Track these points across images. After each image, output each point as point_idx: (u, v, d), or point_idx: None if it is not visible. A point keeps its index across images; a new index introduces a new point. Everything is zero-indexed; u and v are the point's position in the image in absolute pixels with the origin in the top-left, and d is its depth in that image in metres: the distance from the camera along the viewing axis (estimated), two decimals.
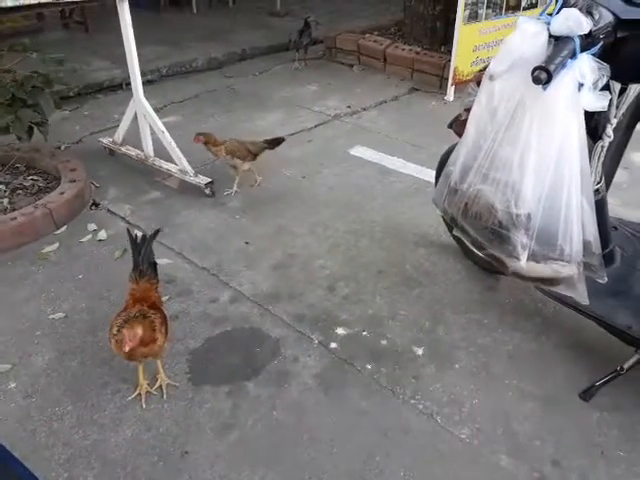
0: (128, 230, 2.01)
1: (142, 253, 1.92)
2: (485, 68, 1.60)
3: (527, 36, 1.40)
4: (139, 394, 1.86)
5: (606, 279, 1.64)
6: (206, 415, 1.81)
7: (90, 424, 1.78)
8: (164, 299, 2.27)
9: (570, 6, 1.35)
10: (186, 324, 2.18)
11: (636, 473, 1.62)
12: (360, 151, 3.56)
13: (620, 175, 2.75)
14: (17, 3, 2.51)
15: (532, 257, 1.53)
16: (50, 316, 2.21)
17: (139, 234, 2.04)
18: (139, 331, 1.65)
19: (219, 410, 1.83)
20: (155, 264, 1.97)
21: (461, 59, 4.25)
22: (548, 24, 1.37)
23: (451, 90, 4.35)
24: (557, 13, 1.36)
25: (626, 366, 1.81)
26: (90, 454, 1.68)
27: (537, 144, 1.47)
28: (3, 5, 2.46)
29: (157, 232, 2.07)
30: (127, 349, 1.62)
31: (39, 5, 2.63)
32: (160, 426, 1.77)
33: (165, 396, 1.86)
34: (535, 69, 1.29)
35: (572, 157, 1.46)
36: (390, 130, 3.86)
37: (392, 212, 2.91)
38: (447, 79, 4.37)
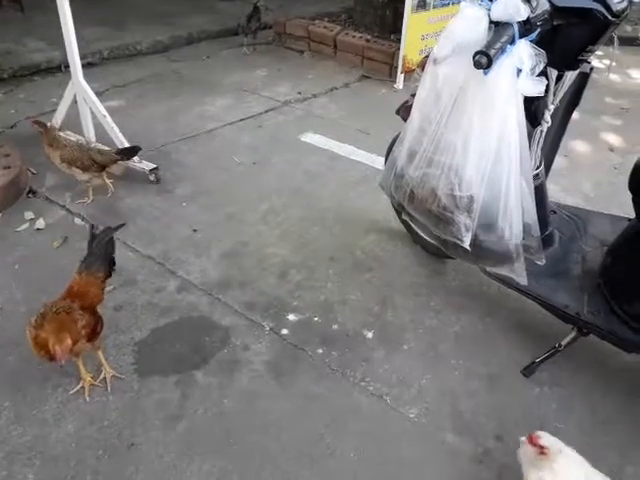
0: (92, 226, 1.93)
1: (95, 245, 1.84)
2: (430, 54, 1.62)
3: (468, 21, 1.42)
4: (82, 387, 1.79)
5: (544, 261, 1.71)
6: (153, 406, 1.76)
7: (29, 420, 1.70)
8: (108, 289, 2.19)
9: None
10: (131, 314, 2.11)
11: (571, 443, 1.71)
12: (311, 138, 3.54)
13: (560, 162, 2.87)
14: None
15: (475, 239, 1.57)
16: None
17: (101, 227, 1.94)
18: (68, 341, 1.56)
19: (167, 400, 1.79)
20: (112, 260, 1.89)
21: (410, 47, 4.30)
22: (489, 10, 1.39)
23: (401, 78, 4.39)
24: None
25: (564, 343, 1.90)
26: (30, 450, 1.61)
27: (479, 128, 1.50)
28: None
29: (120, 226, 1.98)
30: (62, 363, 1.55)
31: None
32: (105, 419, 1.71)
33: (110, 388, 1.80)
34: (476, 53, 1.32)
35: (512, 141, 1.50)
36: (341, 117, 3.87)
37: (343, 199, 2.92)
38: (397, 67, 4.41)
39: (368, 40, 4.77)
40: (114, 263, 1.92)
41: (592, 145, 3.58)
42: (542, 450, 1.40)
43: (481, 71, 1.36)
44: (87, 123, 3.02)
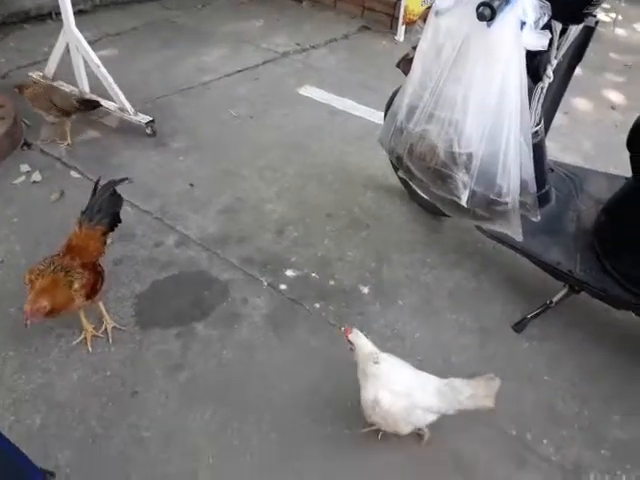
0: (98, 179, 1.91)
1: (96, 197, 1.83)
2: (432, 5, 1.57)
3: None
4: (84, 338, 1.83)
5: (539, 218, 1.73)
6: (155, 357, 1.82)
7: (34, 369, 1.75)
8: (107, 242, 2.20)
9: None
10: (131, 268, 2.13)
11: (559, 394, 1.78)
12: (309, 91, 3.48)
13: (560, 119, 2.84)
14: None
15: (472, 196, 1.57)
16: None
17: (104, 180, 1.92)
18: (44, 304, 1.56)
19: (168, 351, 1.84)
20: (116, 215, 1.88)
21: None
22: None
23: (402, 30, 4.26)
24: None
25: (555, 299, 1.95)
26: (36, 398, 1.67)
27: (480, 82, 1.48)
28: None
29: (124, 180, 1.96)
30: (27, 323, 1.56)
31: None
32: (108, 369, 1.77)
33: (111, 340, 1.85)
34: (479, 5, 1.29)
35: (512, 96, 1.48)
36: (340, 70, 3.78)
37: (341, 155, 2.90)
38: (398, 18, 4.27)
39: None
40: (119, 219, 1.90)
41: (593, 102, 3.53)
42: (350, 346, 1.53)
43: (484, 23, 1.34)
44: (80, 73, 2.95)
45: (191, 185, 2.60)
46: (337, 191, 2.64)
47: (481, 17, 1.29)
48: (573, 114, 3.35)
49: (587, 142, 3.12)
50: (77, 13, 2.85)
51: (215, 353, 1.85)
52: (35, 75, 3.13)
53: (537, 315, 1.96)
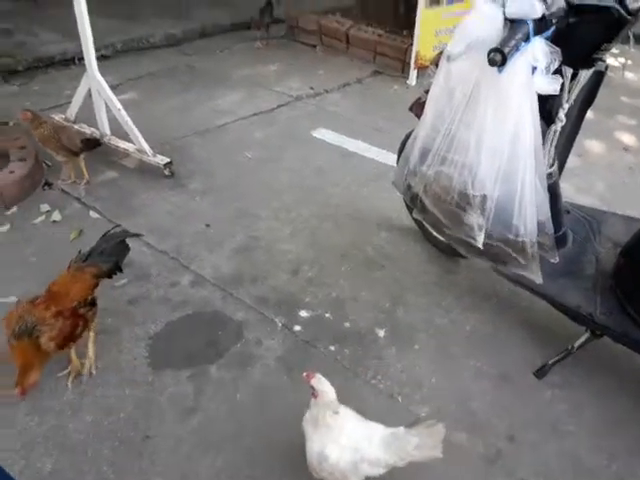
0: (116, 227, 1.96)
1: (104, 241, 1.85)
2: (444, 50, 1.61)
3: (483, 18, 1.41)
4: (68, 373, 1.82)
5: (558, 259, 1.71)
6: (168, 399, 1.79)
7: (46, 411, 1.73)
8: (122, 282, 2.22)
9: None
10: (145, 308, 2.13)
11: (582, 445, 1.72)
12: (323, 133, 3.54)
13: (573, 161, 2.85)
14: None
15: (488, 238, 1.57)
16: (0, 300, 2.11)
17: (119, 229, 1.98)
18: (32, 380, 1.58)
19: (181, 394, 1.81)
20: (117, 263, 1.86)
21: (423, 43, 4.27)
22: (503, 7, 1.38)
23: (413, 74, 4.37)
24: None
25: (576, 345, 1.90)
26: (47, 440, 1.64)
27: (492, 126, 1.50)
28: None
29: (137, 235, 2.01)
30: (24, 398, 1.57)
31: None
32: (121, 411, 1.74)
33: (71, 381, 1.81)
34: (490, 51, 1.31)
35: (526, 139, 1.49)
36: (353, 113, 3.86)
37: (355, 195, 2.92)
38: (409, 63, 4.38)
39: (380, 35, 4.75)
40: (120, 268, 1.89)
41: (606, 144, 3.55)
42: (313, 392, 1.45)
43: (495, 68, 1.36)
44: (101, 116, 3.04)
45: (207, 225, 2.63)
46: (351, 231, 2.65)
47: (492, 63, 1.32)
48: (586, 156, 3.37)
49: (601, 184, 3.12)
50: (99, 58, 2.96)
51: (228, 396, 1.82)
52: (57, 117, 3.23)
53: (558, 361, 1.92)
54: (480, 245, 1.57)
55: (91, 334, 1.84)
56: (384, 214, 2.76)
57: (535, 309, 2.14)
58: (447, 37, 4.40)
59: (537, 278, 1.67)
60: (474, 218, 1.54)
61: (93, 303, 1.80)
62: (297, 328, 2.09)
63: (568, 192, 2.78)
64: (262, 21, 4.87)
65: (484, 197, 1.51)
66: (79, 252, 1.83)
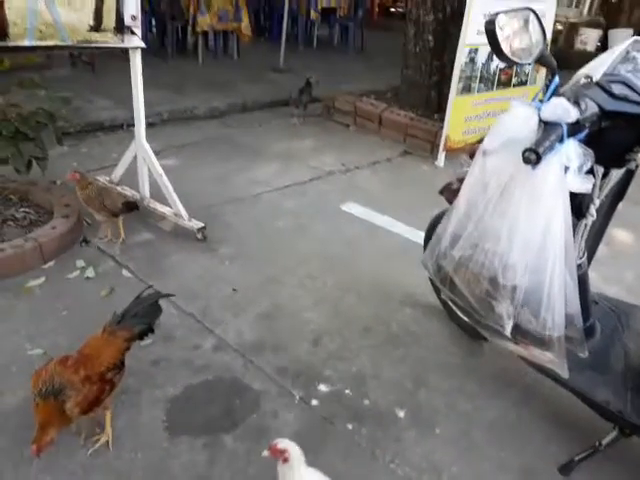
0: (149, 287, 2.03)
1: (137, 303, 1.88)
2: (477, 142, 1.70)
3: (519, 119, 1.49)
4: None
5: (587, 353, 1.68)
6: (181, 467, 1.76)
7: (59, 470, 1.71)
8: (146, 342, 2.25)
9: (560, 95, 1.46)
10: (167, 370, 2.15)
11: None
12: (352, 207, 3.65)
13: (601, 250, 2.84)
14: (34, 43, 2.60)
15: (516, 327, 1.57)
16: (28, 352, 2.17)
17: (151, 290, 2.02)
18: (49, 437, 1.56)
19: (194, 462, 1.78)
20: (150, 325, 1.88)
21: (453, 128, 4.44)
22: (539, 110, 1.47)
23: (442, 156, 4.52)
24: (547, 101, 1.46)
25: (604, 442, 1.82)
26: None
27: (525, 219, 1.53)
28: (20, 44, 2.55)
29: (170, 295, 2.05)
30: (39, 455, 1.56)
31: (55, 47, 2.73)
32: (132, 476, 1.72)
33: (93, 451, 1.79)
34: (526, 150, 1.38)
35: (557, 234, 1.52)
36: (382, 190, 3.98)
37: (380, 269, 2.95)
38: (439, 145, 4.54)
39: (412, 118, 4.97)
40: (152, 330, 1.90)
41: (635, 235, 3.55)
42: (283, 455, 1.43)
43: (529, 166, 1.42)
44: (143, 180, 3.21)
45: (234, 290, 2.68)
46: (375, 305, 2.66)
47: (527, 161, 1.38)
48: (614, 245, 3.36)
49: (629, 274, 3.10)
50: (146, 126, 3.16)
51: (241, 469, 1.78)
52: (102, 179, 3.42)
53: (585, 458, 1.83)
54: (508, 334, 1.57)
55: (108, 413, 1.82)
56: (408, 290, 2.78)
57: (561, 400, 2.07)
58: (476, 123, 4.59)
59: (563, 373, 1.64)
60: (503, 306, 1.55)
61: (121, 365, 1.82)
62: (315, 402, 2.06)
63: (595, 281, 2.76)
64: (300, 100, 5.16)
65: (514, 287, 1.53)
66: (114, 313, 1.86)
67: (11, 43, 2.50)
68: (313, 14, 8.71)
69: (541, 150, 1.36)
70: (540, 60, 1.59)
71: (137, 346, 2.20)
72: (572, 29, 10.53)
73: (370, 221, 3.48)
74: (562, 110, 1.40)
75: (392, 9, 13.36)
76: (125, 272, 2.72)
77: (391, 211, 3.60)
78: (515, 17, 1.57)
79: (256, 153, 4.43)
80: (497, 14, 1.51)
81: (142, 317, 1.86)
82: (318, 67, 7.17)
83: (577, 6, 10.49)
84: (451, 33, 4.77)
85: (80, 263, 2.75)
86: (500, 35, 1.51)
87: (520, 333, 1.58)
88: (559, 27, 9.55)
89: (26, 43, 2.55)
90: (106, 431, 1.82)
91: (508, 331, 1.56)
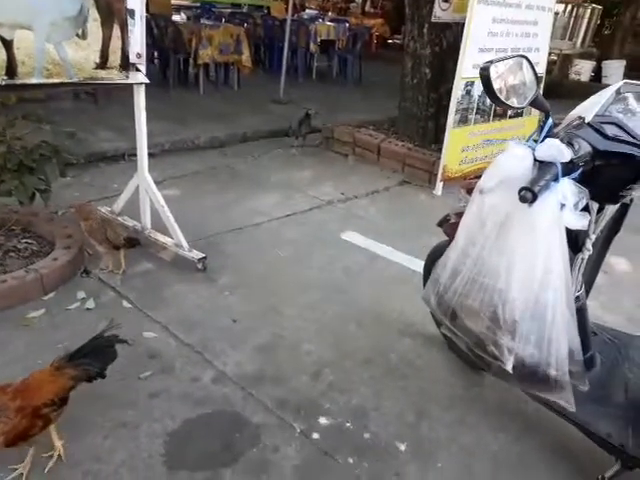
0: (111, 321, 2.00)
1: (90, 343, 1.85)
2: (473, 177, 1.74)
3: (515, 158, 1.54)
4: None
5: (588, 386, 1.68)
6: None
7: None
8: (146, 374, 2.24)
9: (553, 136, 1.51)
10: (165, 403, 2.13)
11: None
12: (351, 236, 3.68)
13: (600, 278, 2.87)
14: (41, 81, 2.66)
15: (517, 362, 1.57)
16: None
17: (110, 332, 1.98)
18: None
19: None
20: (101, 370, 1.83)
21: (450, 158, 4.52)
22: (533, 150, 1.51)
23: (439, 185, 4.58)
24: (542, 141, 1.51)
25: (607, 476, 1.80)
26: None
27: (523, 255, 1.56)
28: (28, 82, 2.61)
29: (124, 341, 1.98)
30: None
31: (61, 84, 2.79)
32: None
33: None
34: (522, 189, 1.41)
35: (555, 269, 1.55)
36: (380, 219, 4.02)
37: (379, 299, 2.96)
38: (436, 175, 4.61)
39: (410, 149, 5.05)
40: (103, 375, 1.85)
41: (633, 263, 3.57)
42: None
43: (526, 204, 1.45)
44: (145, 211, 3.24)
45: (234, 321, 2.68)
46: (375, 335, 2.66)
47: (523, 200, 1.41)
48: (612, 273, 3.38)
49: (628, 302, 3.11)
50: (148, 156, 3.20)
51: None
52: (104, 209, 3.45)
53: None
54: (509, 369, 1.57)
55: (52, 427, 1.77)
56: (408, 319, 2.78)
57: (563, 431, 2.05)
58: (473, 153, 4.67)
59: (570, 406, 1.64)
60: (504, 341, 1.56)
61: (63, 402, 1.76)
62: (315, 436, 2.04)
63: (594, 310, 2.77)
64: (299, 130, 5.25)
65: (514, 321, 1.54)
66: (65, 350, 1.84)
67: (19, 81, 2.57)
68: (312, 47, 8.94)
69: (537, 189, 1.40)
70: (534, 104, 1.65)
71: (137, 378, 2.21)
72: (566, 60, 10.81)
73: (370, 250, 3.51)
74: (556, 150, 1.44)
75: (390, 40, 13.70)
76: (125, 303, 2.73)
77: (390, 240, 3.63)
78: (508, 64, 1.62)
79: (256, 183, 4.48)
80: (491, 62, 1.57)
81: (94, 359, 1.82)
82: (317, 98, 7.32)
83: (570, 39, 10.77)
84: (447, 66, 4.89)
85: (81, 294, 2.75)
86: (494, 82, 1.56)
87: (522, 369, 1.59)
88: (554, 57, 9.79)
89: (34, 81, 2.61)
90: (55, 445, 1.78)
91: (509, 367, 1.57)
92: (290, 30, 7.34)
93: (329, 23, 9.59)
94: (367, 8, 15.89)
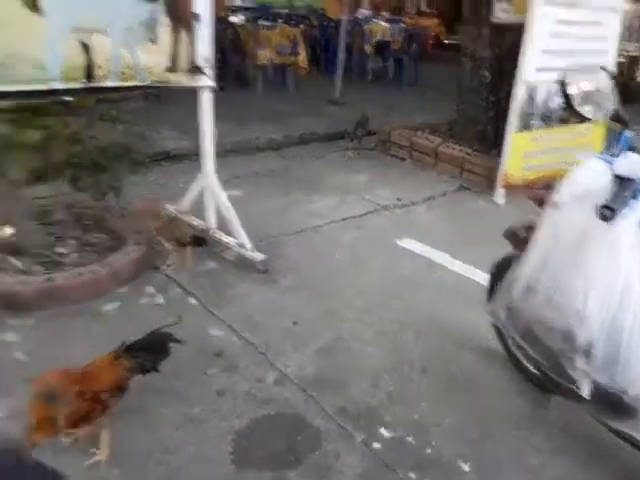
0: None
1: (151, 338, 1.95)
2: (542, 187, 1.70)
3: (592, 173, 1.50)
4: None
5: None
6: None
7: None
8: (210, 372, 2.32)
9: (633, 149, 1.46)
10: (232, 401, 2.20)
11: None
12: (408, 243, 3.65)
13: None
14: (116, 84, 2.79)
15: (594, 387, 1.53)
16: None
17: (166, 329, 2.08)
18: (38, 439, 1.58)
19: None
20: (154, 364, 1.93)
21: (511, 164, 4.40)
22: (611, 164, 1.47)
23: (500, 192, 4.47)
24: (620, 155, 1.46)
25: None
26: None
27: (602, 275, 1.53)
28: (103, 85, 2.74)
29: (178, 341, 2.07)
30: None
31: (134, 87, 2.92)
32: None
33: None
34: (601, 207, 1.38)
35: (636, 290, 1.50)
36: (438, 225, 3.98)
37: (437, 307, 2.94)
38: (496, 181, 4.50)
39: (468, 153, 4.96)
40: (156, 369, 1.95)
41: None
42: None
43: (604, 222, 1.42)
44: (210, 212, 3.34)
45: (294, 323, 2.73)
46: (433, 344, 2.64)
47: (603, 218, 1.38)
48: None
49: None
50: None
51: None
52: (171, 208, 3.57)
53: None
54: (586, 395, 1.53)
55: (104, 432, 1.85)
56: (467, 331, 2.74)
57: (633, 461, 1.98)
58: (537, 159, 4.52)
59: None
60: (578, 364, 1.53)
61: (121, 391, 1.86)
62: (377, 446, 2.05)
63: None
64: (356, 133, 5.26)
65: (590, 344, 1.50)
66: (122, 342, 1.94)
67: (95, 84, 2.70)
68: (367, 47, 8.91)
69: (616, 206, 1.36)
70: (613, 117, 1.60)
71: (204, 374, 2.30)
72: (633, 62, 10.32)
73: (427, 257, 3.48)
74: (637, 165, 1.39)
75: (446, 41, 13.46)
76: (192, 300, 2.83)
77: (448, 248, 3.57)
78: (586, 75, 1.58)
79: (313, 186, 4.53)
80: (568, 70, 1.54)
81: (148, 353, 1.92)
82: (373, 99, 7.29)
83: (637, 41, 10.28)
84: (507, 68, 4.76)
85: (150, 290, 2.88)
86: (571, 92, 1.53)
87: (598, 393, 1.54)
88: (621, 60, 9.37)
89: (109, 84, 2.74)
90: (102, 450, 1.86)
91: (585, 392, 1.53)
92: (345, 31, 7.34)
93: (384, 24, 9.53)
94: (422, 7, 15.67)
